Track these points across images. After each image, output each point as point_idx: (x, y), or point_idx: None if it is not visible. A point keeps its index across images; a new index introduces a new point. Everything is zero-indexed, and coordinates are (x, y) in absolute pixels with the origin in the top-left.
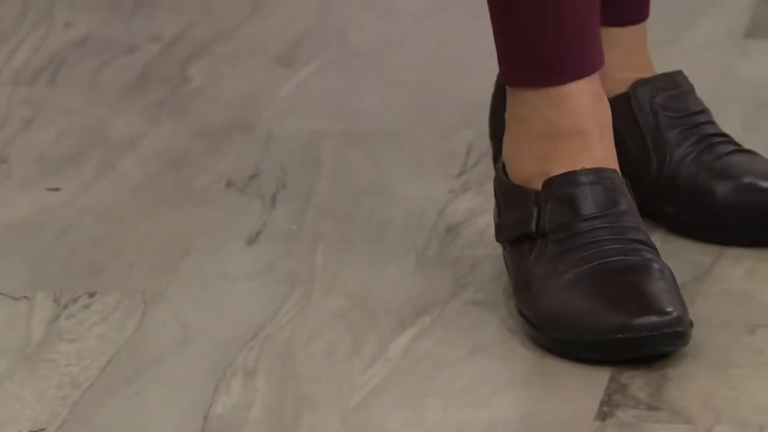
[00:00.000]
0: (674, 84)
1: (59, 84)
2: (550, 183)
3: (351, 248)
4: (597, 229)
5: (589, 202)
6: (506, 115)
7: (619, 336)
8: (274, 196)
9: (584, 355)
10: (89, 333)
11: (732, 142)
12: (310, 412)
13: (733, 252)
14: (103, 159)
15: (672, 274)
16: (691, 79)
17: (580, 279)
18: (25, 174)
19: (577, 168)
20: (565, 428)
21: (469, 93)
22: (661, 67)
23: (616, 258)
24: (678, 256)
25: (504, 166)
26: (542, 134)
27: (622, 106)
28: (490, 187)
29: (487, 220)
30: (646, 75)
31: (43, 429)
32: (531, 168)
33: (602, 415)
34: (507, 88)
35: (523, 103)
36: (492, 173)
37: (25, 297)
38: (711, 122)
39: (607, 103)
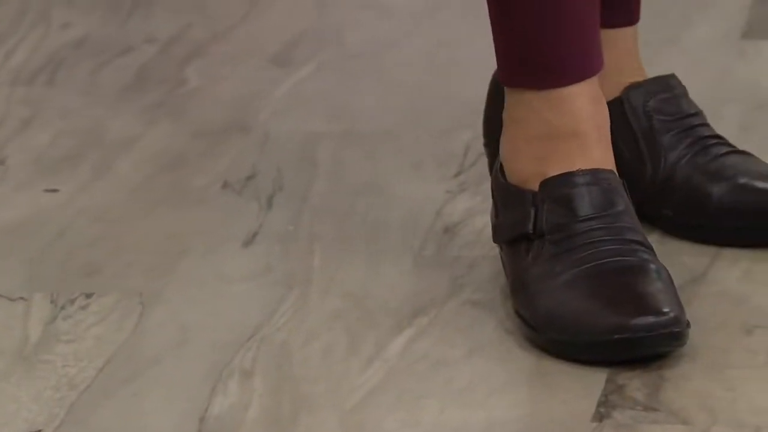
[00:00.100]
0: (667, 87)
1: (57, 84)
2: (547, 184)
3: (348, 249)
4: (594, 230)
5: (585, 202)
6: (503, 114)
7: (617, 336)
8: (270, 198)
9: (581, 355)
10: (86, 334)
11: (726, 143)
12: (308, 413)
13: (729, 253)
14: (101, 160)
15: (669, 275)
16: (688, 80)
17: (577, 279)
18: (22, 175)
19: (574, 169)
20: (563, 429)
21: (466, 93)
22: (659, 67)
23: (613, 259)
24: (675, 257)
25: (501, 166)
26: (540, 135)
27: (616, 111)
28: (487, 188)
29: (484, 221)
30: (639, 79)
31: (40, 430)
32: (528, 168)
33: (599, 416)
34: (505, 88)
35: (522, 103)
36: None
37: (22, 298)
38: (705, 124)
39: (605, 105)
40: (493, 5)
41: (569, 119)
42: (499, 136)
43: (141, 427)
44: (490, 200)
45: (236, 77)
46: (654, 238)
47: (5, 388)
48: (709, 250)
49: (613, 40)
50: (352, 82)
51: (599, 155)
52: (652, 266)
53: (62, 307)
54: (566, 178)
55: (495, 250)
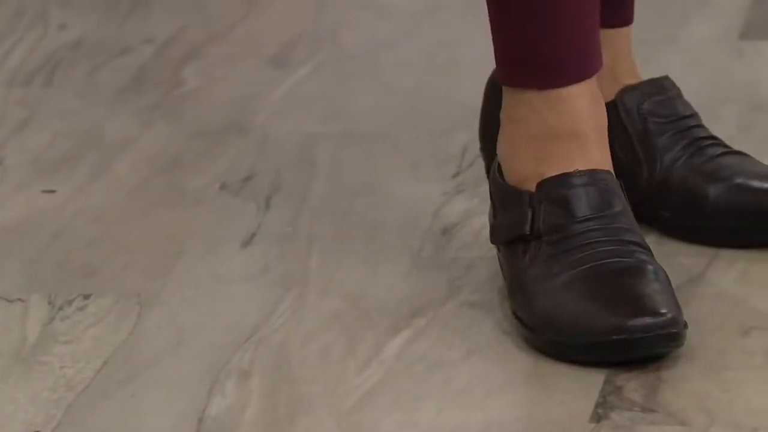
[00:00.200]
0: (661, 89)
1: (54, 86)
2: (544, 185)
3: (346, 250)
4: (591, 231)
5: (583, 203)
6: (501, 114)
7: (614, 337)
8: (268, 198)
9: (579, 356)
10: (84, 335)
11: (722, 144)
12: (305, 414)
13: (726, 254)
14: (98, 161)
15: (666, 276)
16: (686, 80)
17: (574, 281)
18: (19, 176)
19: (572, 170)
20: (560, 430)
21: (464, 94)
22: (656, 67)
23: (610, 260)
24: (672, 259)
25: (499, 166)
26: (539, 135)
27: (610, 113)
28: (484, 189)
29: (481, 222)
30: (633, 81)
31: (37, 431)
32: (526, 168)
33: (597, 417)
34: (504, 87)
35: (521, 103)
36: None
37: (19, 299)
38: (700, 126)
39: (604, 105)
40: (493, 5)
41: (568, 119)
42: (496, 140)
43: (139, 428)
44: (488, 202)
45: (234, 78)
46: (651, 240)
47: (2, 389)
48: (707, 251)
49: (607, 41)
50: (351, 83)
51: (598, 156)
52: (650, 267)
53: (60, 308)
54: (563, 179)
55: (492, 251)
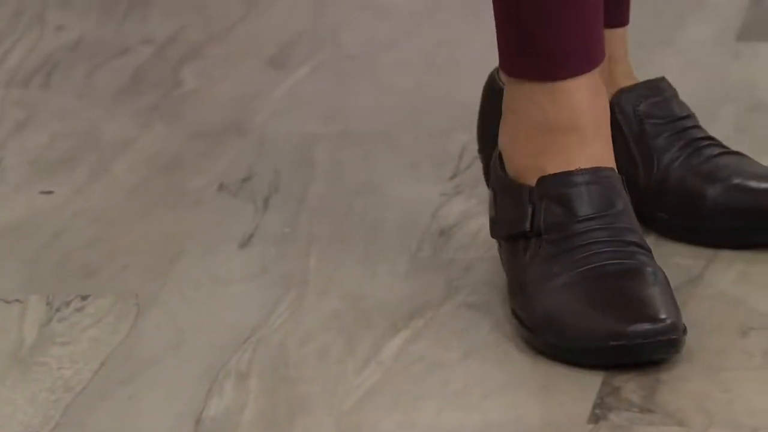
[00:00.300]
0: (657, 91)
1: (52, 87)
2: (545, 181)
3: (345, 250)
4: (592, 231)
5: (584, 202)
6: (503, 104)
7: (613, 343)
8: (267, 199)
9: (578, 360)
10: (82, 336)
11: (719, 144)
12: (304, 415)
13: (725, 255)
14: (97, 162)
15: (666, 278)
16: (683, 81)
17: (574, 282)
18: (18, 177)
19: (573, 168)
20: (559, 431)
21: (463, 95)
22: (653, 68)
23: (610, 261)
24: (670, 260)
25: (500, 155)
26: (539, 127)
27: None
28: (482, 190)
29: (479, 223)
30: (629, 82)
31: None
32: (526, 161)
33: (595, 418)
34: (505, 77)
35: (521, 94)
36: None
37: (17, 300)
38: (697, 126)
39: (606, 98)
40: None
41: (568, 112)
42: (494, 142)
43: (137, 428)
44: (486, 203)
45: (233, 79)
46: (649, 241)
47: (1, 390)
48: (705, 252)
49: (606, 42)
50: (350, 83)
51: (598, 150)
52: (649, 269)
53: (58, 309)
54: (564, 177)
55: (490, 252)
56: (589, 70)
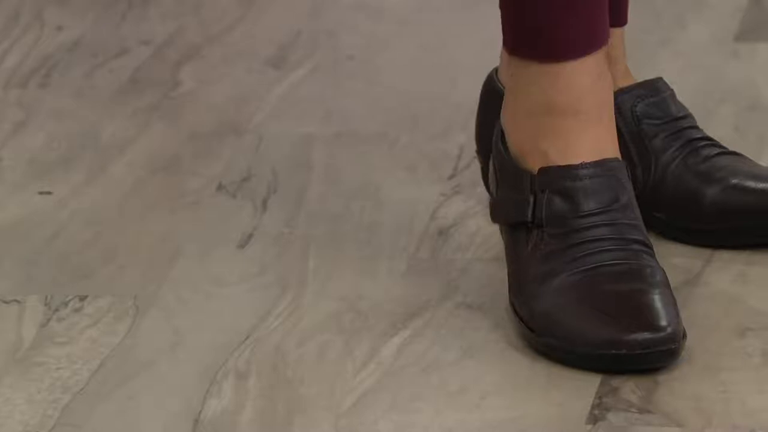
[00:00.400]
0: (655, 91)
1: (51, 87)
2: (548, 172)
3: (342, 251)
4: (595, 227)
5: (588, 197)
6: (507, 83)
7: (613, 352)
8: (265, 200)
9: (576, 364)
10: (80, 336)
11: (717, 145)
12: (302, 416)
13: (723, 255)
14: (95, 162)
15: (666, 279)
16: (682, 82)
17: (575, 283)
18: (16, 177)
19: (574, 155)
20: (557, 431)
21: (460, 95)
22: (652, 69)
23: (611, 262)
24: (668, 260)
25: (503, 134)
26: (540, 109)
27: None
28: (481, 191)
29: (477, 224)
30: (626, 83)
31: None
32: (528, 142)
33: (593, 418)
34: (509, 56)
35: (524, 74)
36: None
37: (15, 300)
38: (695, 127)
39: (610, 82)
40: None
41: (569, 95)
42: (492, 143)
43: (135, 429)
44: (484, 203)
45: (230, 79)
46: None
47: None
48: (703, 252)
49: None
50: (347, 85)
51: (600, 135)
52: (649, 270)
53: (56, 310)
54: (568, 170)
55: (489, 252)
56: (591, 53)
